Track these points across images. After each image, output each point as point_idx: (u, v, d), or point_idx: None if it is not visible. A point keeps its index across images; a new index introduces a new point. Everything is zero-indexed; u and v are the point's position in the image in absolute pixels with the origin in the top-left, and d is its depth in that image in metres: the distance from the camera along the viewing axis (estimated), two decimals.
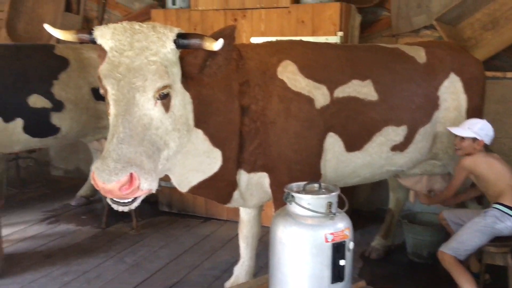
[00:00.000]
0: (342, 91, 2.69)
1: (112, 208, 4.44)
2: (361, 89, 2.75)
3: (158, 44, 1.94)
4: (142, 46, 1.92)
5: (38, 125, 4.15)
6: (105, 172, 1.76)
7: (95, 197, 5.23)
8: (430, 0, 4.29)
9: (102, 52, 2.04)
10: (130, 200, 1.89)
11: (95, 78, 3.85)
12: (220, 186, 2.51)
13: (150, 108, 1.93)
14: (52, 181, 5.79)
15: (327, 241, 1.99)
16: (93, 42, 2.02)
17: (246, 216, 3.06)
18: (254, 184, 2.62)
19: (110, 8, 5.77)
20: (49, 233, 4.35)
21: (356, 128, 2.75)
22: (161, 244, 4.10)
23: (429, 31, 4.37)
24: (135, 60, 1.90)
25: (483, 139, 2.94)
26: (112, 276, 3.50)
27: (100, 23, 5.62)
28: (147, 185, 1.84)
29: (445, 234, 3.33)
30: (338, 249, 2.00)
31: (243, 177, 2.56)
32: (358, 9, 4.22)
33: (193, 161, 2.33)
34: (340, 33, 3.85)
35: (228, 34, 2.03)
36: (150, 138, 1.92)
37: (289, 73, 2.54)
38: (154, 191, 1.93)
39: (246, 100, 2.46)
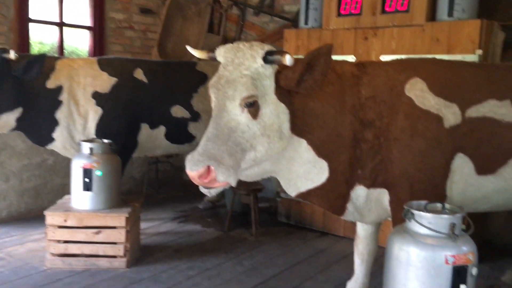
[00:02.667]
0: (476, 111, 2.56)
1: (234, 214, 4.73)
2: (498, 109, 2.58)
3: (251, 60, 2.24)
4: (239, 62, 2.25)
5: (178, 132, 4.63)
6: (190, 162, 2.12)
7: (220, 202, 5.61)
8: None
9: None
10: (211, 188, 2.21)
11: None
12: (330, 197, 2.58)
13: (237, 114, 2.23)
14: (184, 185, 6.33)
15: (447, 263, 1.92)
16: (216, 60, 2.37)
17: (363, 232, 3.03)
18: (373, 200, 2.62)
19: (247, 29, 6.20)
20: (178, 231, 4.78)
21: (490, 150, 2.58)
22: (278, 252, 4.24)
23: None
24: (233, 73, 2.24)
25: None
26: (231, 276, 3.73)
27: None
28: (223, 178, 2.13)
29: None
30: (459, 273, 1.92)
31: (362, 192, 2.57)
32: (502, 26, 3.94)
33: (299, 168, 2.48)
34: (479, 51, 3.64)
35: (324, 51, 2.21)
36: (235, 139, 2.21)
37: (417, 91, 2.50)
38: (233, 185, 2.22)
39: (370, 116, 2.48)
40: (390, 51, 4.08)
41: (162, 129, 4.55)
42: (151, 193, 6.12)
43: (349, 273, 3.70)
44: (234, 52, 2.29)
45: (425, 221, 1.99)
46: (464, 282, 1.92)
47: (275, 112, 2.31)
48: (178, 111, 4.57)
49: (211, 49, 2.49)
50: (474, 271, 1.95)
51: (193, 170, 2.12)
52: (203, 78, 4.70)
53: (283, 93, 2.34)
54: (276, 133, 2.31)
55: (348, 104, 2.48)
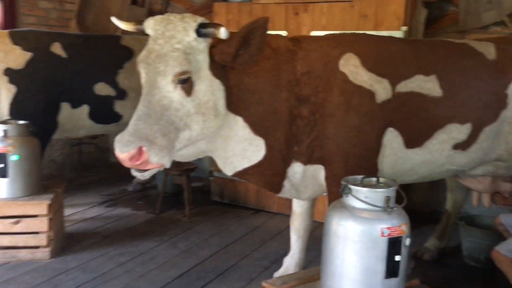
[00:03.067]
0: (405, 86, 2.62)
1: (166, 195, 4.59)
2: (425, 84, 2.66)
3: (183, 33, 2.12)
4: (170, 35, 2.12)
5: (102, 112, 4.35)
6: (119, 144, 2.00)
7: (151, 183, 5.42)
8: None
9: None
10: (144, 170, 2.11)
11: None
12: (267, 175, 2.54)
13: (170, 90, 2.10)
14: (110, 167, 6.04)
15: (383, 236, 1.96)
16: (144, 32, 2.23)
17: (299, 208, 3.05)
18: (309, 176, 2.62)
19: (173, 2, 5.93)
20: (107, 216, 4.55)
21: (417, 124, 2.67)
22: (212, 232, 4.18)
23: (499, 27, 4.17)
24: (164, 47, 2.10)
25: None
26: (165, 260, 3.62)
27: None
28: (157, 160, 2.03)
29: (504, 238, 3.17)
30: (394, 244, 1.97)
31: (299, 168, 2.56)
32: (424, 3, 4.09)
33: (236, 146, 2.42)
34: (404, 28, 3.74)
35: (260, 25, 2.14)
36: (168, 118, 2.09)
37: (351, 66, 2.51)
38: (167, 166, 2.12)
39: (306, 92, 2.45)
40: (321, 26, 4.09)
41: (85, 108, 4.25)
42: (74, 177, 5.76)
43: (285, 248, 3.75)
44: (165, 25, 2.15)
45: (362, 196, 2.01)
46: (399, 253, 1.97)
47: (210, 88, 2.21)
48: (102, 89, 4.28)
49: (139, 21, 2.32)
50: (407, 241, 2.01)
51: (123, 151, 1.99)
52: (129, 53, 4.43)
53: (218, 68, 2.24)
54: (212, 111, 2.22)
55: (284, 80, 2.43)
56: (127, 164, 2.04)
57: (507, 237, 3.04)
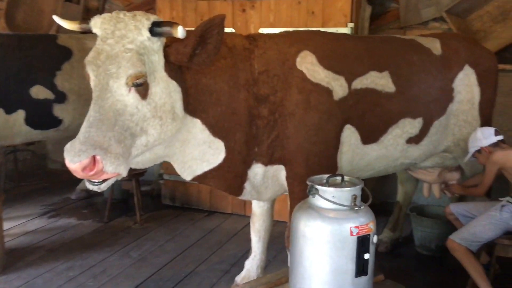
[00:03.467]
0: (360, 83, 2.64)
1: (114, 202, 4.35)
2: (379, 80, 2.70)
3: (135, 33, 1.99)
4: (121, 34, 1.98)
5: (40, 116, 4.06)
6: (70, 153, 1.84)
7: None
8: None
9: None
10: (100, 181, 1.96)
11: None
12: (228, 177, 2.47)
13: (123, 94, 1.96)
14: (50, 175, 5.69)
15: (352, 235, 1.94)
16: (91, 31, 2.07)
17: (259, 209, 3.00)
18: (270, 177, 2.57)
19: None
20: (50, 227, 4.27)
21: (373, 120, 2.70)
22: (167, 238, 4.04)
23: (437, 23, 4.34)
24: (114, 47, 1.96)
25: (487, 143, 2.95)
26: (118, 271, 3.44)
27: (101, 14, 5.51)
28: (112, 169, 1.88)
29: (453, 226, 3.30)
30: (363, 243, 1.96)
31: (259, 170, 2.51)
32: (368, 0, 4.17)
33: (194, 150, 2.32)
34: (351, 25, 3.79)
35: (217, 23, 2.03)
36: (123, 123, 1.95)
37: (308, 64, 2.48)
38: (124, 175, 1.98)
39: (264, 91, 2.40)
40: (269, 24, 4.05)
41: (21, 114, 3.93)
42: (11, 187, 5.36)
43: (243, 250, 3.71)
44: (114, 23, 2.00)
45: (329, 196, 1.98)
46: (367, 251, 1.97)
47: (166, 90, 2.09)
48: (39, 92, 3.98)
49: (84, 20, 2.15)
50: (375, 239, 2.01)
51: (74, 162, 1.83)
52: (67, 54, 4.15)
53: (174, 69, 2.12)
54: (169, 114, 2.10)
55: (242, 79, 2.35)
56: (79, 175, 1.88)
57: (457, 226, 3.16)
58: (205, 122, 2.29)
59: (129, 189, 4.49)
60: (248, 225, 4.27)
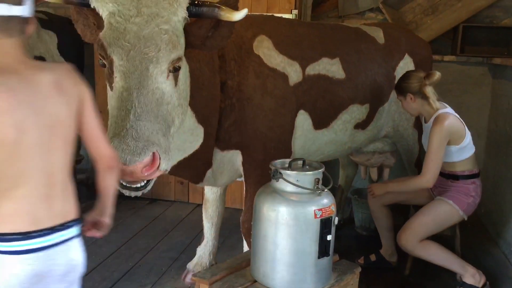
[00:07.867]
0: (313, 69, 2.69)
1: None
2: (330, 67, 2.77)
3: (170, 11, 1.78)
4: (151, 12, 1.75)
5: None
6: (125, 152, 1.61)
7: None
8: None
9: (86, 16, 1.88)
10: (143, 184, 1.75)
11: None
12: (196, 165, 2.40)
13: (162, 81, 1.78)
14: None
15: (316, 217, 2.00)
16: (85, 5, 1.83)
17: (212, 195, 2.97)
18: (226, 163, 2.55)
19: None
20: None
21: (325, 106, 2.77)
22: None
23: (373, 13, 4.51)
24: (145, 27, 1.73)
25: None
26: None
27: None
28: (165, 165, 1.74)
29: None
30: (326, 225, 2.02)
31: (217, 155, 2.48)
32: None
33: (178, 139, 2.16)
34: (295, 11, 3.84)
35: (232, 3, 1.91)
36: (162, 114, 1.78)
37: (264, 49, 2.48)
38: (167, 172, 1.82)
39: (222, 76, 2.36)
40: None
41: None
42: None
43: (190, 237, 3.67)
44: None
45: (293, 179, 2.02)
46: (330, 233, 2.04)
47: (185, 76, 1.96)
48: None
49: None
50: (336, 220, 2.08)
51: (134, 161, 1.61)
52: None
53: (186, 53, 1.98)
54: (186, 102, 1.99)
55: (216, 63, 2.29)
56: (135, 176, 1.65)
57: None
58: (193, 108, 2.19)
59: None
60: (192, 211, 4.26)
